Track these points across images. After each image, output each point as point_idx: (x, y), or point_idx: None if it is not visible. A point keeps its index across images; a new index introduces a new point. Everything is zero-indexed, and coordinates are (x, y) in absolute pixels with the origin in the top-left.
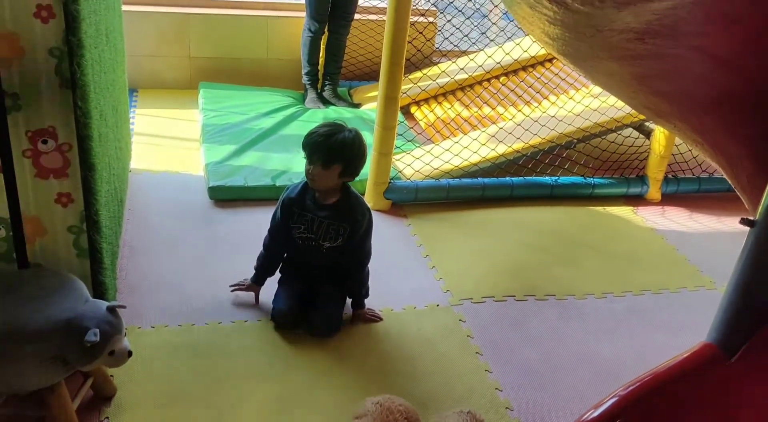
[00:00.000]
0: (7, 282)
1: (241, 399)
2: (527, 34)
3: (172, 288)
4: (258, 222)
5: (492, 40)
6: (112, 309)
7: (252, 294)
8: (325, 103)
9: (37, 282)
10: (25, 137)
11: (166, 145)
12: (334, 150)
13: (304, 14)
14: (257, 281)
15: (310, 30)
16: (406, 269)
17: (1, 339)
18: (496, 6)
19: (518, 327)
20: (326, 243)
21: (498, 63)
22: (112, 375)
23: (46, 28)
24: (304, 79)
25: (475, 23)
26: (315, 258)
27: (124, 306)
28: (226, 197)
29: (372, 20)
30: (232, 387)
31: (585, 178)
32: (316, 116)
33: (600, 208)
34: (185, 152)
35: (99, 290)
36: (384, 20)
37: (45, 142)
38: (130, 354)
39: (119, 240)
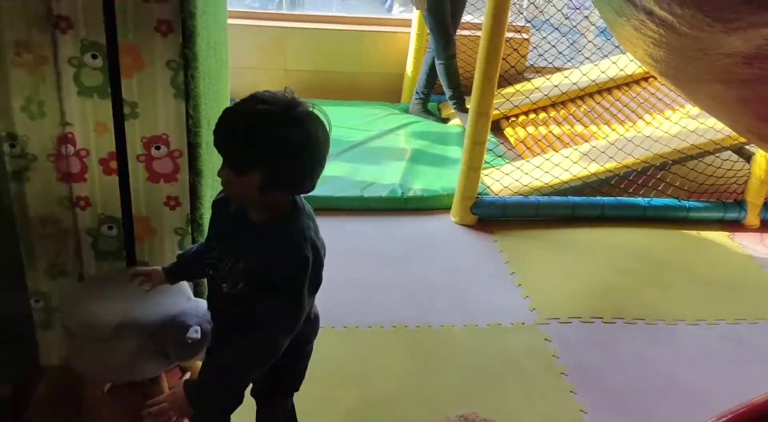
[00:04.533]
0: (118, 279)
1: (325, 404)
2: (625, 53)
3: None
4: (346, 232)
5: (588, 58)
6: None
7: None
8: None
9: None
10: (140, 143)
11: None
12: (247, 145)
13: (395, 29)
14: (169, 270)
15: (449, 56)
16: (491, 285)
17: (114, 332)
18: (593, 24)
19: (605, 350)
20: (225, 285)
21: (593, 81)
22: None
23: (165, 41)
24: (452, 105)
25: (571, 41)
26: (217, 308)
27: None
28: (315, 206)
29: (464, 35)
30: (317, 390)
31: (679, 201)
32: (408, 129)
33: (694, 232)
34: None
35: (198, 289)
36: (476, 35)
37: (158, 148)
38: None
39: None
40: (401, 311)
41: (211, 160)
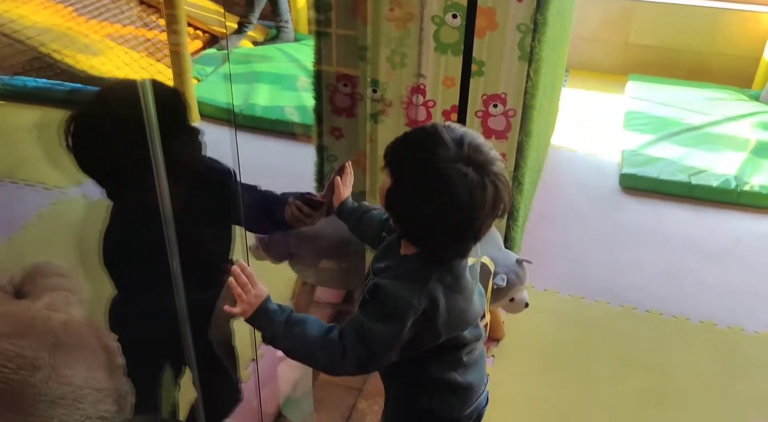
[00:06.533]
0: None
1: (614, 382)
2: None
3: (569, 260)
4: (667, 218)
5: None
6: (519, 262)
7: None
8: None
9: None
10: (480, 99)
11: (586, 126)
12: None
13: (758, 8)
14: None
15: None
16: None
17: None
18: None
19: None
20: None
21: None
22: (503, 321)
23: (519, 5)
24: None
25: None
26: None
27: (530, 262)
28: (637, 186)
29: None
30: (608, 368)
31: None
32: (755, 118)
33: None
34: (604, 136)
35: (508, 243)
36: None
37: (495, 105)
38: (526, 305)
39: (530, 204)
40: (712, 309)
41: (538, 123)
